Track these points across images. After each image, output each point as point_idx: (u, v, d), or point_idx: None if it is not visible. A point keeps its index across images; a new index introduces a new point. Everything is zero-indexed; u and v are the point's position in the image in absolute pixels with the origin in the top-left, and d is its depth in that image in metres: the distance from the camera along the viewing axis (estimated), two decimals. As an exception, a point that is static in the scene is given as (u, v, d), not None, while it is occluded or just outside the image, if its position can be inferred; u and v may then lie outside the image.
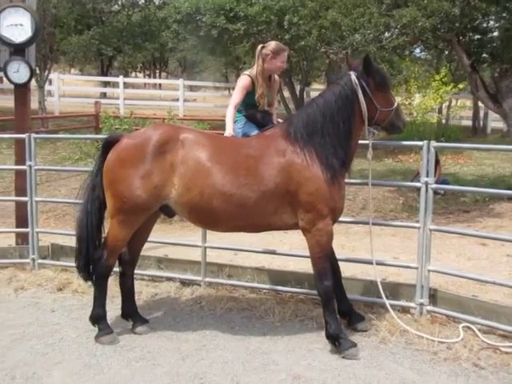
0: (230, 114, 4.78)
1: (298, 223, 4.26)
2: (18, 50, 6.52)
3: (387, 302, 4.60)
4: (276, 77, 5.08)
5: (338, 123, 4.19)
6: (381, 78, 4.34)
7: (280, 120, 5.05)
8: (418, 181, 4.91)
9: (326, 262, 4.26)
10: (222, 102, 24.77)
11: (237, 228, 4.49)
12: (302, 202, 4.15)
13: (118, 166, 4.23)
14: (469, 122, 20.84)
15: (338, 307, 4.57)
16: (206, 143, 4.23)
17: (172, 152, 4.16)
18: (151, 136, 4.23)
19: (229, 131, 4.71)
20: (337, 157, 4.17)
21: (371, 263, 4.84)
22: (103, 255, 4.38)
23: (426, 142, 4.71)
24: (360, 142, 4.50)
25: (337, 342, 4.19)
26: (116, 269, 4.66)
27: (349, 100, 4.23)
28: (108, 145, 4.39)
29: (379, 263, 5.15)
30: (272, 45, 4.87)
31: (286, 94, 18.82)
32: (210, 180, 4.12)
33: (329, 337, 4.24)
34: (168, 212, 4.47)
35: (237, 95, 4.85)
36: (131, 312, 4.66)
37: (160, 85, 33.47)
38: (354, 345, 4.19)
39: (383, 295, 4.58)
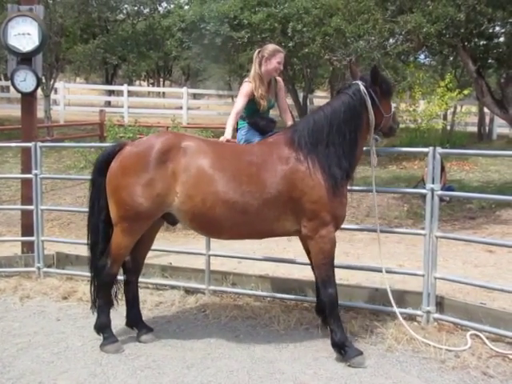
0: (230, 120, 4.81)
1: (300, 230, 4.26)
2: (25, 59, 6.55)
3: (397, 311, 4.56)
4: (278, 78, 5.07)
5: (344, 133, 4.20)
6: (387, 86, 4.39)
7: (290, 123, 5.06)
8: (423, 187, 4.88)
9: (330, 269, 4.24)
10: (226, 110, 24.78)
11: (239, 235, 4.50)
12: (305, 209, 4.14)
13: (121, 173, 4.23)
14: (474, 128, 20.76)
15: (316, 305, 4.69)
16: (207, 150, 4.22)
17: (174, 160, 4.16)
18: (153, 144, 4.23)
19: (226, 136, 4.72)
20: (340, 166, 4.18)
21: (378, 271, 4.81)
22: (107, 263, 4.37)
23: (431, 148, 4.69)
24: (364, 148, 4.51)
25: (342, 351, 4.16)
26: (120, 277, 4.65)
27: (357, 110, 4.25)
28: (114, 153, 4.38)
29: (386, 271, 5.12)
30: (268, 47, 4.91)
31: (289, 101, 18.83)
32: (212, 187, 4.11)
33: (334, 345, 4.22)
34: (171, 220, 4.47)
35: (239, 102, 4.86)
36: (136, 320, 4.64)
37: (164, 93, 33.52)
38: (360, 353, 4.16)
39: (393, 303, 4.55)
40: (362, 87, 4.26)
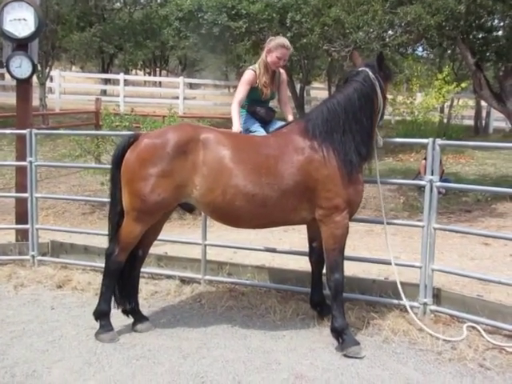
0: (235, 110, 4.76)
1: (315, 218, 4.28)
2: (21, 45, 6.47)
3: (407, 304, 4.57)
4: (282, 71, 5.04)
5: (361, 120, 4.24)
6: (389, 71, 4.50)
7: (289, 116, 5.04)
8: (420, 179, 4.87)
9: (339, 255, 4.26)
10: (222, 100, 24.73)
11: (258, 225, 4.59)
12: (320, 197, 4.18)
13: (138, 164, 4.20)
14: (471, 122, 20.79)
15: (310, 297, 4.73)
16: (226, 143, 4.23)
17: (193, 152, 4.17)
18: (172, 135, 4.23)
19: (236, 127, 4.69)
20: (359, 153, 4.22)
21: (378, 262, 4.80)
22: (114, 251, 4.35)
23: (431, 139, 4.67)
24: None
25: (340, 338, 4.17)
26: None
27: (370, 96, 4.30)
28: (129, 144, 4.35)
29: (381, 262, 5.11)
30: (275, 39, 4.90)
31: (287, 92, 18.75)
32: (232, 181, 4.13)
33: (333, 330, 4.22)
34: (187, 208, 4.51)
35: (240, 90, 4.82)
36: (132, 309, 4.61)
37: (160, 83, 33.38)
38: (358, 343, 4.15)
39: (403, 295, 4.53)
40: (370, 73, 4.31)
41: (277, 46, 4.80)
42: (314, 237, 4.68)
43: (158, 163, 4.15)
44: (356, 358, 4.06)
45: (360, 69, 4.40)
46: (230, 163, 4.16)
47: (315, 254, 4.71)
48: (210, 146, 4.19)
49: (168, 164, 4.14)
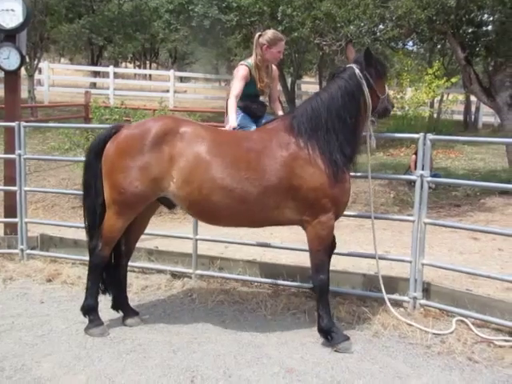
0: (232, 105, 4.69)
1: (301, 218, 4.19)
2: (9, 36, 6.40)
3: (386, 297, 4.60)
4: (274, 67, 5.01)
5: (344, 118, 4.14)
6: (381, 67, 4.36)
7: (279, 112, 5.01)
8: (410, 175, 4.89)
9: (324, 255, 4.21)
10: (213, 94, 24.66)
11: (237, 223, 4.43)
12: (305, 197, 4.07)
13: (117, 156, 4.16)
14: (460, 117, 20.86)
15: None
16: (205, 136, 4.15)
17: (171, 144, 4.10)
18: (151, 127, 4.17)
19: (232, 123, 4.61)
20: (343, 152, 4.12)
21: (369, 257, 4.81)
22: (98, 245, 4.32)
23: (422, 134, 4.68)
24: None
25: (329, 336, 4.16)
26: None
27: (355, 95, 4.19)
28: (110, 135, 4.31)
29: (370, 257, 5.12)
30: (268, 34, 4.80)
31: (278, 86, 18.73)
32: (209, 174, 4.04)
33: (321, 330, 4.21)
34: (167, 203, 4.42)
35: (237, 85, 4.76)
36: (122, 303, 4.59)
37: (150, 76, 33.17)
38: (347, 338, 4.16)
39: (383, 291, 4.58)
40: (357, 71, 4.21)
41: (275, 40, 4.74)
42: None
43: (136, 155, 4.09)
44: (346, 352, 4.08)
45: (348, 65, 4.31)
46: (207, 156, 4.06)
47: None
48: (188, 139, 4.11)
49: (146, 156, 4.08)
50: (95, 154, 4.34)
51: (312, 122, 4.12)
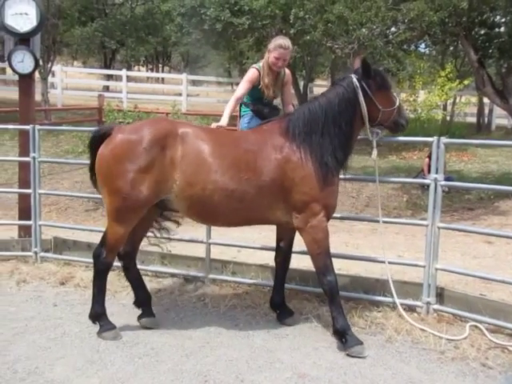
0: (229, 105, 4.77)
1: (290, 221, 4.27)
2: (23, 40, 6.44)
3: (397, 302, 4.59)
4: (287, 71, 5.01)
5: (339, 124, 4.24)
6: (381, 79, 4.39)
7: None
8: (423, 178, 4.86)
9: (326, 258, 4.24)
10: (225, 97, 24.59)
11: (234, 222, 4.49)
12: (295, 199, 4.17)
13: (115, 161, 4.14)
14: (473, 119, 20.71)
15: (271, 298, 4.70)
16: (205, 137, 4.21)
17: (172, 147, 4.13)
18: (149, 130, 4.17)
19: (220, 123, 4.68)
20: (335, 157, 4.21)
21: (381, 262, 4.79)
22: (102, 253, 4.32)
23: (435, 137, 4.65)
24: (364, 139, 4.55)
25: (343, 339, 4.15)
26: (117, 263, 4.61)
27: (351, 102, 4.28)
28: (100, 138, 4.31)
29: (377, 261, 5.09)
30: (275, 39, 4.87)
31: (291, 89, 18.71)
32: (211, 175, 4.10)
33: (336, 332, 4.21)
34: (162, 207, 4.43)
35: (241, 87, 4.81)
36: (144, 300, 4.61)
37: (163, 79, 33.34)
38: (361, 343, 4.14)
39: (395, 296, 4.56)
40: (354, 80, 4.30)
41: (275, 46, 4.78)
42: (281, 237, 4.71)
43: (137, 158, 4.08)
44: (359, 357, 4.06)
45: (348, 74, 4.42)
46: (209, 157, 4.12)
47: (281, 254, 4.75)
48: (188, 141, 4.16)
49: (147, 159, 4.08)
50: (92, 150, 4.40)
51: (307, 126, 4.23)
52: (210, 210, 4.21)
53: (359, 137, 4.56)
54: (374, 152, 4.57)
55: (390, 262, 4.87)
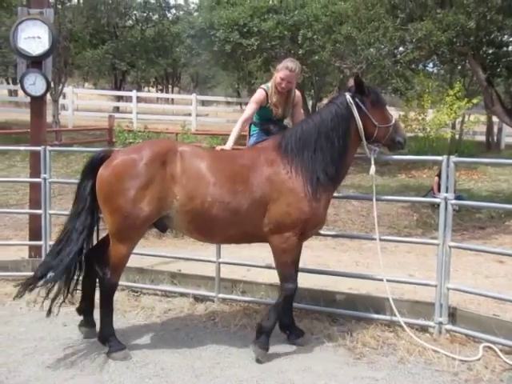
0: (236, 127, 4.84)
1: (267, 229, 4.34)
2: (35, 63, 6.53)
3: (401, 320, 4.55)
4: (297, 93, 5.04)
5: (332, 140, 4.35)
6: (375, 96, 4.50)
7: None
8: (432, 197, 4.85)
9: (291, 267, 4.40)
10: (234, 117, 24.74)
11: (231, 237, 4.52)
12: (279, 210, 4.25)
13: (116, 179, 4.19)
14: (482, 138, 20.65)
15: (280, 320, 4.64)
16: (202, 154, 4.37)
17: (172, 163, 4.23)
18: (150, 148, 4.30)
19: (226, 146, 4.77)
20: (326, 172, 4.31)
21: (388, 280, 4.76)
22: (107, 273, 4.34)
23: (445, 156, 4.64)
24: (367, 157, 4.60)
25: (265, 336, 4.32)
26: (123, 282, 4.60)
27: (344, 118, 4.39)
28: (100, 161, 4.37)
29: (394, 281, 5.04)
30: (283, 61, 4.89)
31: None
32: (210, 189, 4.21)
33: (260, 327, 4.37)
34: (161, 226, 4.48)
35: (248, 109, 4.88)
36: (88, 309, 4.67)
37: (172, 99, 33.60)
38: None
39: (396, 313, 4.53)
40: (348, 97, 4.41)
41: (282, 67, 4.82)
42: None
43: (137, 176, 4.15)
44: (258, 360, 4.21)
45: (343, 92, 4.52)
46: (208, 172, 4.25)
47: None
48: (187, 157, 4.29)
49: (147, 176, 4.15)
50: (85, 176, 4.45)
51: (300, 142, 4.35)
52: (208, 224, 4.29)
53: (363, 155, 4.61)
54: (372, 168, 4.62)
55: (400, 282, 4.82)
